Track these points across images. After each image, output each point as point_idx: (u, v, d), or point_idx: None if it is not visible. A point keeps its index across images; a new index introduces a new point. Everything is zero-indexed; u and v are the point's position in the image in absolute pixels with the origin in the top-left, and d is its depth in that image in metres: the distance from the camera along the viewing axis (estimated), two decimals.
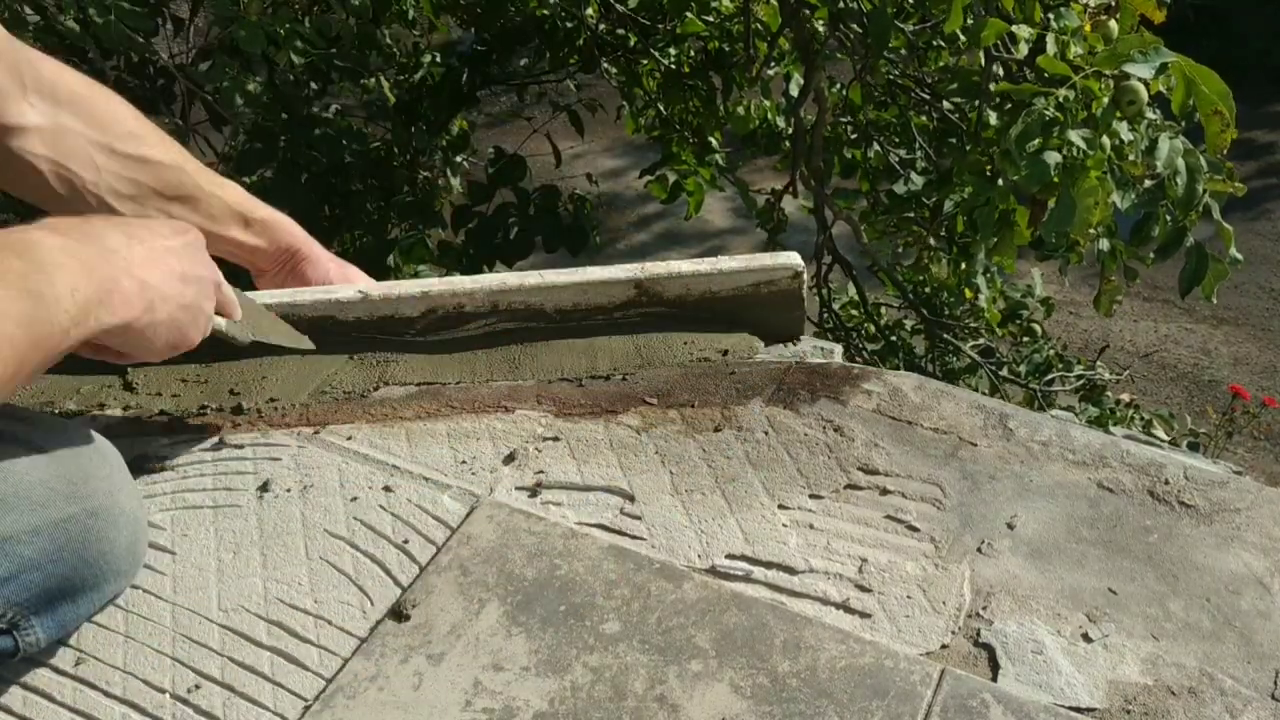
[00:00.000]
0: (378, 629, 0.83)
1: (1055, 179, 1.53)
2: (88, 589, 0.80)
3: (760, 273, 1.15)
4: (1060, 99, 1.52)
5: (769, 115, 2.92)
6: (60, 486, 0.78)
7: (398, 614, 0.83)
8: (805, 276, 1.15)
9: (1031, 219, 1.80)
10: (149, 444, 1.02)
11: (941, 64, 2.40)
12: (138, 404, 1.08)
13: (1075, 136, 1.49)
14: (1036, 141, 1.51)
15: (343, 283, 1.17)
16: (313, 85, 2.30)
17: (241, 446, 1.01)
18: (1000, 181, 1.79)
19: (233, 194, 1.08)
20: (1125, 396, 3.30)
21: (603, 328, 1.16)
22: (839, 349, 1.18)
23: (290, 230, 1.14)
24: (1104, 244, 1.84)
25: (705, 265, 1.15)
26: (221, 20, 2.01)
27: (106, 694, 0.78)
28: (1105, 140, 1.53)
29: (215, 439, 1.02)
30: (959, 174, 2.01)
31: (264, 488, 0.96)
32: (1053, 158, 1.51)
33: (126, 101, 1.00)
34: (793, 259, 1.15)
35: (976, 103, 1.92)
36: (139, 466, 0.99)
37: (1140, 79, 1.49)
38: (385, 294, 1.13)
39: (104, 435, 0.87)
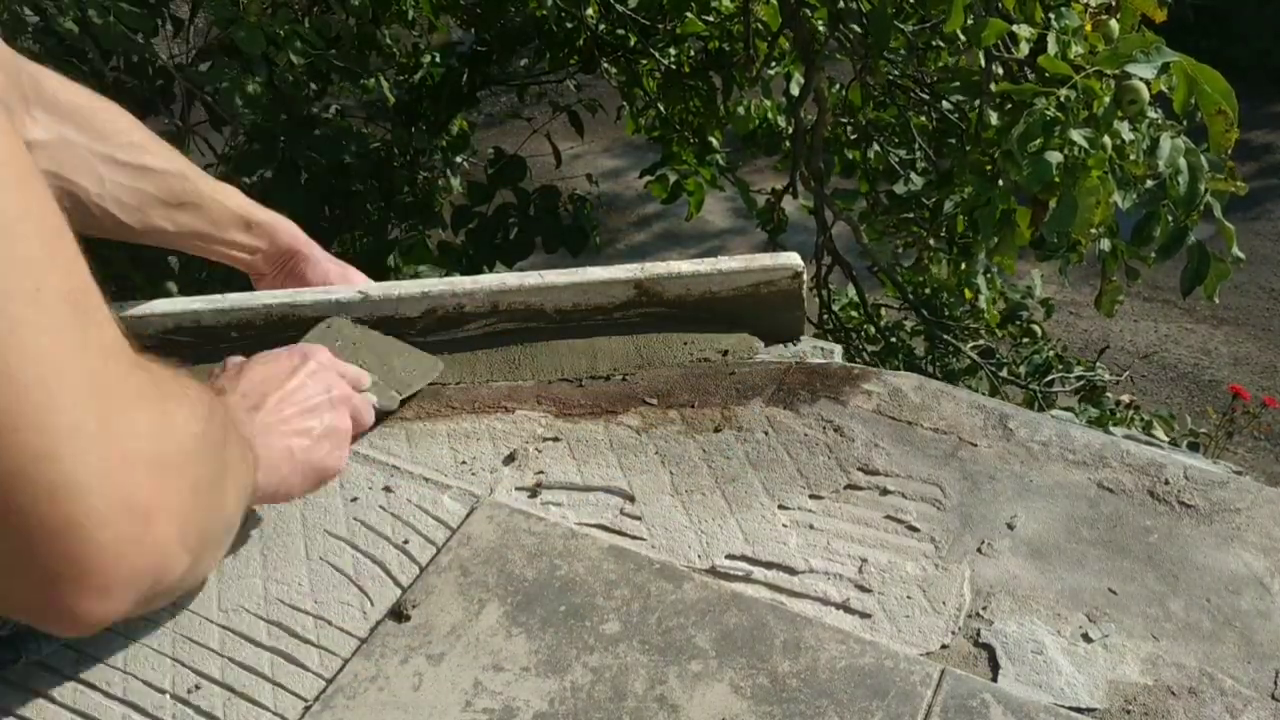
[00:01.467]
0: (378, 629, 0.83)
1: (1057, 179, 1.53)
2: None
3: (760, 273, 1.15)
4: (1061, 99, 1.52)
5: (769, 115, 2.92)
6: None
7: (398, 614, 0.83)
8: (805, 277, 1.15)
9: (1033, 219, 1.80)
10: None
11: (941, 64, 2.40)
12: None
13: (1077, 136, 1.49)
14: (1038, 141, 1.51)
15: (342, 284, 1.17)
16: (313, 86, 2.30)
17: None
18: (1001, 181, 1.80)
19: (234, 198, 1.09)
20: (1125, 397, 3.30)
21: (603, 328, 1.16)
22: (839, 349, 1.18)
23: (290, 232, 1.15)
24: (1105, 244, 1.84)
25: (705, 265, 1.15)
26: (221, 21, 2.01)
27: (107, 694, 0.78)
28: (1106, 140, 1.53)
29: None
30: (960, 174, 2.01)
31: None
32: (1054, 157, 1.51)
33: (126, 112, 1.00)
34: (792, 259, 1.15)
35: (977, 102, 1.93)
36: None
37: (1141, 78, 1.49)
38: (385, 294, 1.13)
39: None
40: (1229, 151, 1.51)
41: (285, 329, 1.14)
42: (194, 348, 1.15)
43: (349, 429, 0.91)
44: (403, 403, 1.04)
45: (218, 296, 1.15)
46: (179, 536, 0.54)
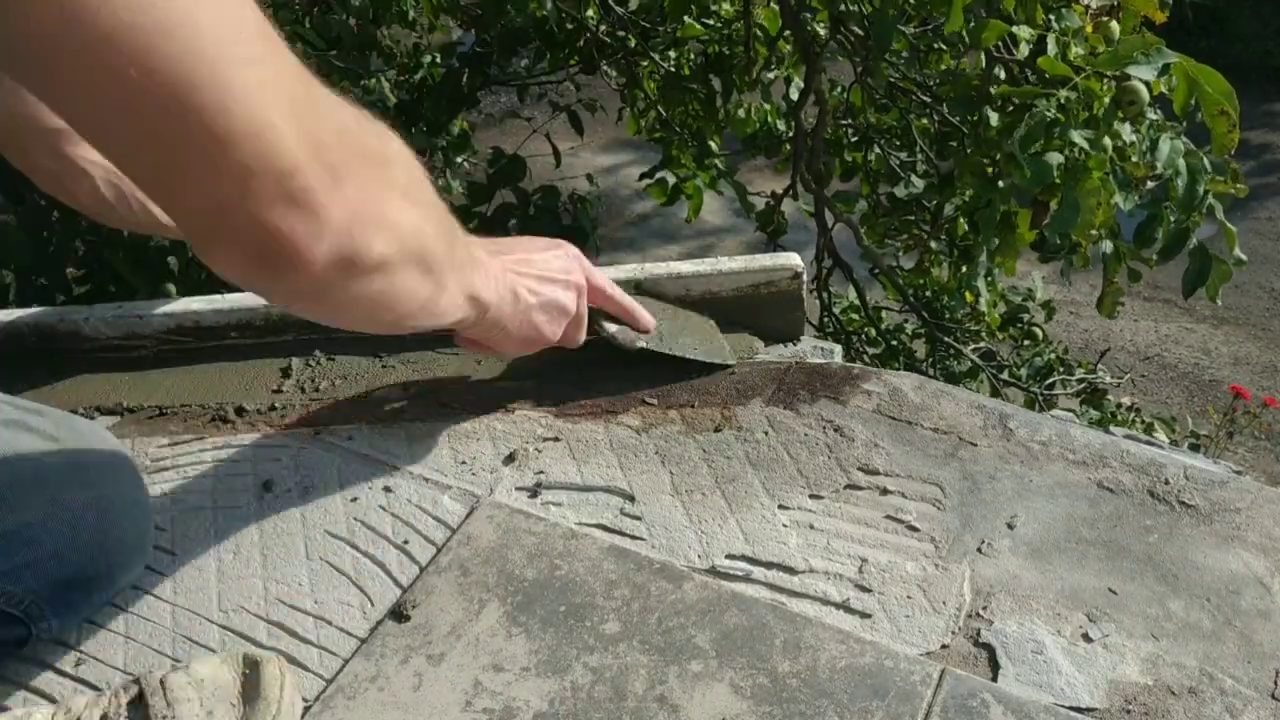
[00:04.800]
0: (378, 629, 0.83)
1: (1058, 180, 1.53)
2: (101, 577, 0.81)
3: (760, 273, 1.15)
4: (1062, 100, 1.52)
5: (768, 118, 2.91)
6: (75, 475, 0.79)
7: (398, 614, 0.83)
8: (805, 277, 1.16)
9: (1034, 221, 1.80)
10: (149, 444, 1.02)
11: (943, 67, 2.40)
12: (137, 404, 1.08)
13: (1078, 136, 1.49)
14: (1040, 143, 1.51)
15: None
16: None
17: (241, 447, 1.01)
18: (1001, 183, 1.80)
19: None
20: (1126, 400, 3.30)
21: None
22: (839, 349, 1.18)
23: None
24: (1107, 245, 1.84)
25: (705, 266, 1.15)
26: None
27: None
28: (1107, 141, 1.53)
29: (216, 439, 1.02)
30: (961, 175, 2.00)
31: (265, 487, 0.96)
32: (1055, 158, 1.51)
33: None
34: (792, 259, 1.15)
35: (974, 110, 1.93)
36: (139, 467, 0.99)
37: (1141, 80, 1.49)
38: None
39: (114, 437, 0.87)
40: (1232, 152, 1.51)
41: (285, 330, 1.14)
42: (195, 347, 1.15)
43: (571, 312, 0.95)
44: (643, 351, 1.05)
45: (217, 297, 1.15)
46: (368, 215, 0.62)
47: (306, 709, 0.77)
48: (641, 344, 1.05)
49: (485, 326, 0.86)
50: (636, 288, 1.15)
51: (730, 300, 1.16)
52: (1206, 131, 1.47)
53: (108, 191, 0.99)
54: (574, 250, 0.97)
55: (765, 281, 1.15)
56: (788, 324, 1.17)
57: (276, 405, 1.07)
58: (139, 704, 0.72)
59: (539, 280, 0.91)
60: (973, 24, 1.71)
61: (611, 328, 1.04)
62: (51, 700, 0.78)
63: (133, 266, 1.91)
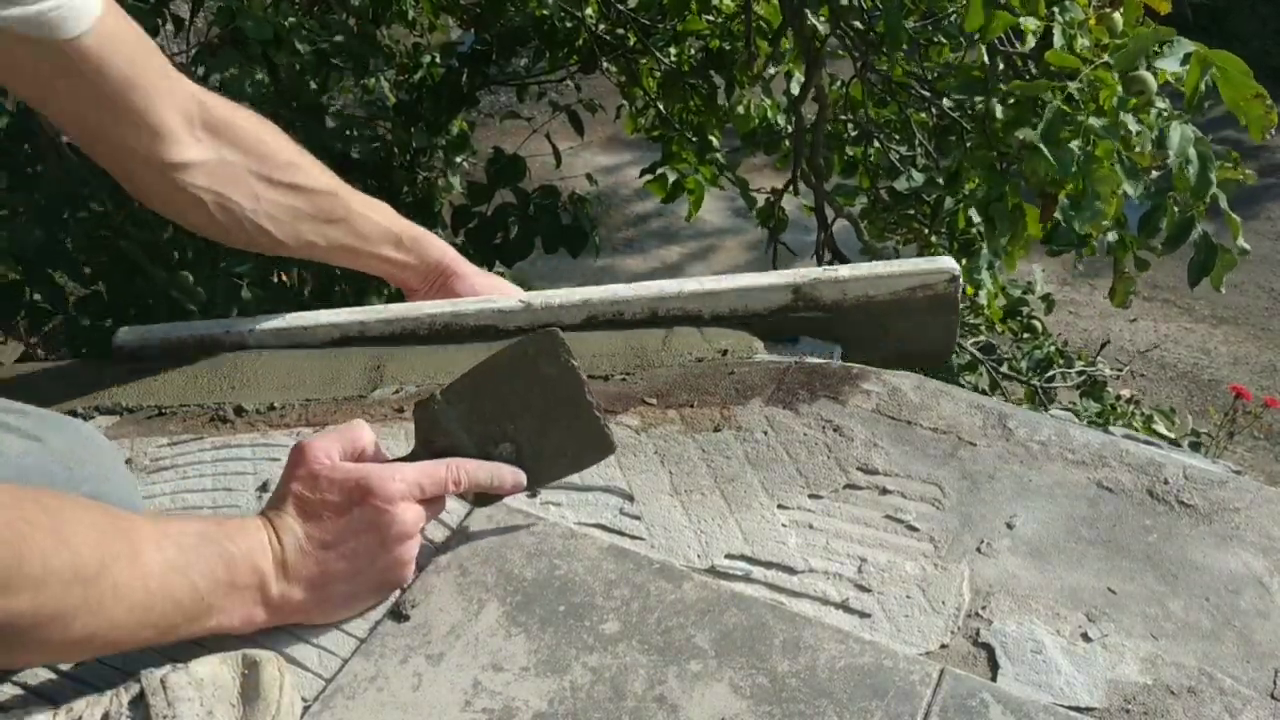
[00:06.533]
0: (377, 629, 0.83)
1: (1074, 170, 1.54)
2: None
3: (915, 276, 1.14)
4: (1072, 92, 1.52)
5: (769, 114, 2.91)
6: (58, 471, 0.78)
7: (397, 614, 0.83)
8: (960, 281, 1.14)
9: (1042, 214, 1.80)
10: (149, 444, 1.02)
11: (943, 60, 2.40)
12: (137, 404, 1.08)
13: (1097, 123, 1.49)
14: (1064, 132, 1.51)
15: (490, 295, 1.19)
16: (313, 84, 2.30)
17: (241, 446, 1.01)
18: (1010, 177, 1.80)
19: (383, 213, 1.13)
20: (1126, 392, 3.30)
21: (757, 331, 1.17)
22: (839, 348, 1.18)
23: (440, 247, 1.17)
24: (1112, 236, 1.84)
25: (862, 270, 1.15)
26: (223, 16, 2.01)
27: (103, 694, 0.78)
28: (1121, 128, 1.54)
29: (215, 439, 1.02)
30: (967, 170, 2.00)
31: (264, 488, 0.96)
32: (1073, 146, 1.52)
33: (283, 133, 1.06)
34: (947, 263, 1.14)
35: (982, 96, 1.92)
36: (138, 466, 0.99)
37: (1154, 69, 1.50)
38: (546, 303, 1.16)
39: (103, 435, 0.87)
40: (1274, 131, 1.51)
41: (449, 339, 1.15)
42: (361, 353, 1.16)
43: (408, 560, 0.83)
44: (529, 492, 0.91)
45: (380, 307, 1.17)
46: None
47: (306, 709, 0.77)
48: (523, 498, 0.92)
49: (283, 617, 0.79)
50: (794, 293, 1.15)
51: (886, 303, 1.15)
52: (1213, 123, 1.48)
53: (221, 216, 1.00)
54: (388, 491, 0.80)
55: (921, 285, 1.14)
56: (941, 328, 1.16)
57: (276, 405, 1.07)
58: (139, 703, 0.72)
59: (350, 578, 0.80)
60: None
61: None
62: (51, 701, 0.78)
63: (149, 256, 1.90)
